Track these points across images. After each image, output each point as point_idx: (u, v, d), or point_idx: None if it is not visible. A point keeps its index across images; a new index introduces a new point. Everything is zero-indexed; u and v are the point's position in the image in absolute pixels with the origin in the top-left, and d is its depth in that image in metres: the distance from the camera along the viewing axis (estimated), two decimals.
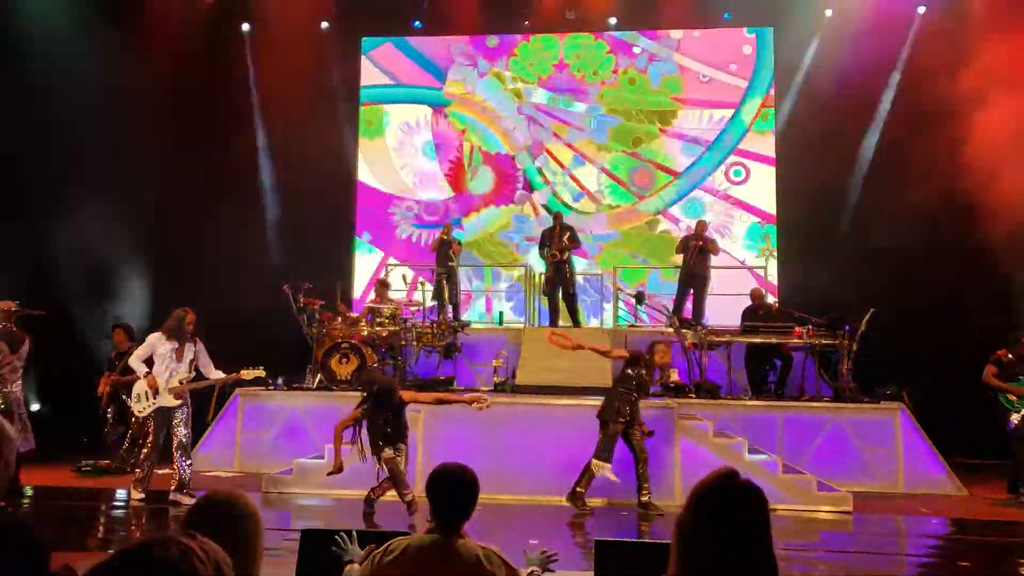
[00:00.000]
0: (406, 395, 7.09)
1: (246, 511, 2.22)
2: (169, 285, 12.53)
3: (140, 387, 8.13)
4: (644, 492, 7.90)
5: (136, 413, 8.31)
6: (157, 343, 8.12)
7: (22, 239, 12.32)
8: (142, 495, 8.04)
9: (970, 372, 9.19)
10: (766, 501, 1.95)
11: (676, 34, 14.26)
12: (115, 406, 10.09)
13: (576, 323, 12.01)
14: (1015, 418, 8.77)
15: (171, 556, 1.46)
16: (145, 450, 8.22)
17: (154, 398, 8.04)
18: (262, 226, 13.85)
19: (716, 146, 14.05)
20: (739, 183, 13.98)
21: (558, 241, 11.82)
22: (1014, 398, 8.81)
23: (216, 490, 2.30)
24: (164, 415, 8.08)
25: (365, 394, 7.05)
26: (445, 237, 12.31)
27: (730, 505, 1.91)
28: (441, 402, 7.62)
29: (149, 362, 8.17)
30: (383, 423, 7.08)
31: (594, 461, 7.87)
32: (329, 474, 6.95)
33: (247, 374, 8.33)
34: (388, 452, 7.10)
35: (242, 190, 13.71)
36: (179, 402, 8.07)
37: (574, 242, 11.95)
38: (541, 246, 12.11)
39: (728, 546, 1.87)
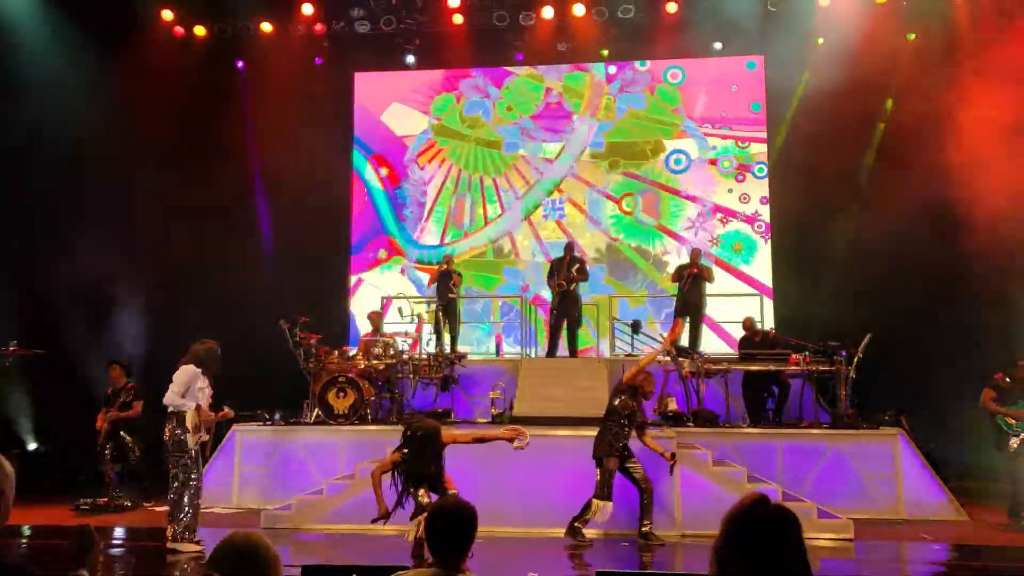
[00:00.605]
0: (446, 437, 6.89)
1: (268, 554, 2.23)
2: (165, 320, 12.54)
3: (193, 419, 7.63)
4: (645, 523, 7.85)
5: (191, 445, 7.65)
6: (196, 377, 7.70)
7: (19, 275, 12.36)
8: (200, 547, 7.52)
9: (968, 397, 9.20)
10: (799, 525, 2.00)
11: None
12: (113, 443, 10.06)
13: (573, 354, 12.01)
14: (1014, 442, 8.77)
15: None
16: (192, 487, 7.63)
17: (201, 431, 7.70)
18: (259, 260, 13.88)
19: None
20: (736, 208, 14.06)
21: (566, 272, 11.84)
22: (1013, 422, 8.81)
23: (236, 532, 2.30)
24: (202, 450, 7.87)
25: (406, 437, 6.83)
26: (446, 268, 12.33)
27: (766, 530, 1.96)
28: (480, 440, 7.36)
29: None
30: (424, 466, 6.88)
31: (595, 501, 7.78)
32: (374, 520, 6.71)
33: (224, 415, 8.14)
34: (423, 496, 6.79)
35: (238, 224, 13.74)
36: (208, 437, 7.89)
37: (582, 274, 11.96)
38: (549, 275, 12.14)
39: (767, 570, 1.92)
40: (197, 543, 7.53)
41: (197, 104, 13.30)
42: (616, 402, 8.01)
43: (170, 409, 7.63)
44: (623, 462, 7.89)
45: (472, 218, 14.64)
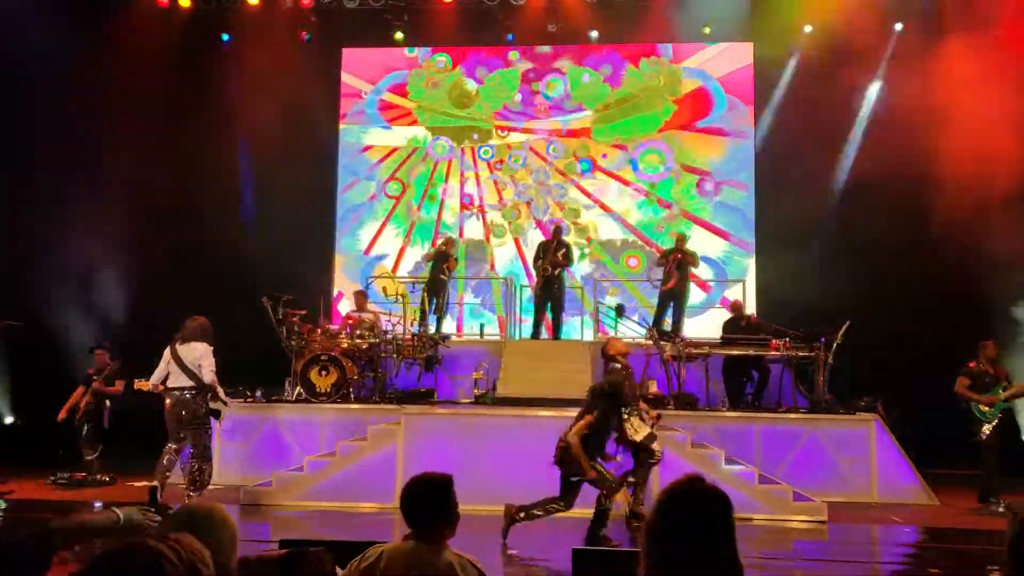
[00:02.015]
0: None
1: (224, 521, 2.27)
2: (149, 296, 12.48)
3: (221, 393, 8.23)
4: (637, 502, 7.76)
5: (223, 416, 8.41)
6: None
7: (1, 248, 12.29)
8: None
9: (943, 384, 9.34)
10: (731, 505, 2.00)
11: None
12: (92, 424, 10.05)
13: (557, 337, 12.08)
14: (986, 428, 8.92)
15: (138, 565, 1.46)
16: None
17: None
18: (242, 236, 13.82)
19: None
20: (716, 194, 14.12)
21: (552, 255, 11.89)
22: (986, 409, 8.95)
23: (191, 501, 2.36)
24: None
25: (595, 397, 6.71)
26: (444, 249, 12.32)
27: (696, 508, 1.97)
28: None
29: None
30: (611, 427, 6.79)
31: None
32: (606, 488, 6.74)
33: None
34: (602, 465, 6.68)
35: (222, 198, 13.67)
36: None
37: (567, 259, 12.01)
38: (536, 258, 12.18)
39: (694, 548, 1.93)
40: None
41: (181, 78, 13.18)
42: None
43: (194, 384, 8.03)
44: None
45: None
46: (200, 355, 8.02)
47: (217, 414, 8.13)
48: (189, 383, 7.98)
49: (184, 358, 8.01)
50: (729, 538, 1.97)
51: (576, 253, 12.80)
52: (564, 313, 12.29)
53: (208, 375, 7.99)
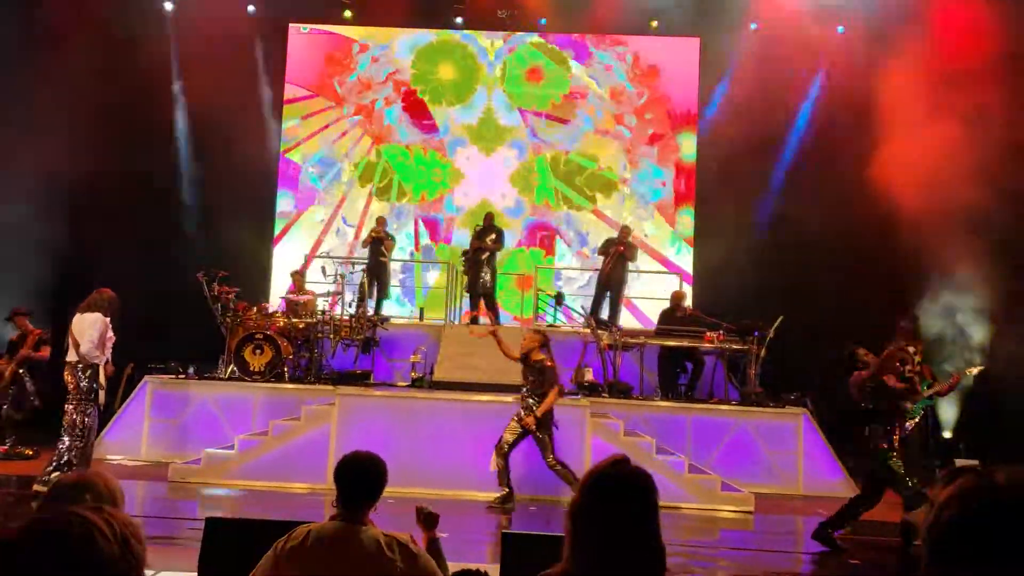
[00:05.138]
0: None
1: (108, 486, 2.19)
2: (76, 266, 12.11)
3: (105, 373, 7.85)
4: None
5: (101, 401, 7.83)
6: (107, 328, 7.75)
7: None
8: None
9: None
10: (654, 487, 2.01)
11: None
12: (15, 388, 9.76)
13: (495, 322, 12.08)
14: (909, 424, 9.17)
15: (70, 534, 1.37)
16: (88, 436, 7.74)
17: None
18: (178, 210, 13.53)
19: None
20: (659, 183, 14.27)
21: (478, 239, 11.90)
22: (909, 406, 9.20)
23: (73, 472, 2.29)
24: None
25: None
26: (377, 235, 12.27)
27: (619, 489, 1.98)
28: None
29: None
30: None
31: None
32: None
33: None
34: None
35: (159, 172, 13.38)
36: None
37: (498, 244, 12.01)
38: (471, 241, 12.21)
39: (616, 529, 1.94)
40: None
41: (120, 50, 12.71)
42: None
43: (71, 359, 7.62)
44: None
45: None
46: (88, 325, 7.62)
47: (92, 395, 7.65)
48: (75, 356, 7.64)
49: (74, 329, 7.68)
50: (653, 520, 1.98)
51: (508, 239, 12.82)
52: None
53: (85, 345, 7.55)
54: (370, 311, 11.59)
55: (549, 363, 7.99)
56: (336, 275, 11.42)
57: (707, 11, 13.71)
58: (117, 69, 12.66)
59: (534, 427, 7.81)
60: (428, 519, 3.31)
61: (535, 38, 14.56)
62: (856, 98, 11.89)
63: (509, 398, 8.55)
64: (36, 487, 7.47)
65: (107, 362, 7.90)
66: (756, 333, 10.25)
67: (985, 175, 10.20)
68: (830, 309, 11.64)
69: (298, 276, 11.73)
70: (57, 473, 7.36)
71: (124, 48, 12.79)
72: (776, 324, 10.29)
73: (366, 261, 12.15)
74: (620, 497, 1.97)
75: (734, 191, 13.13)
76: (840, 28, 13.40)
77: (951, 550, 1.34)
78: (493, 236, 11.98)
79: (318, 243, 14.29)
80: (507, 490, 7.89)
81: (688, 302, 12.48)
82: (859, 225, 11.84)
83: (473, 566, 3.13)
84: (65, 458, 7.54)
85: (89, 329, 7.60)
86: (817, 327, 11.32)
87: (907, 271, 11.38)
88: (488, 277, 11.96)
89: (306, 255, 13.57)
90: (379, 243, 12.22)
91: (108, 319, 7.74)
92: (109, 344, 7.83)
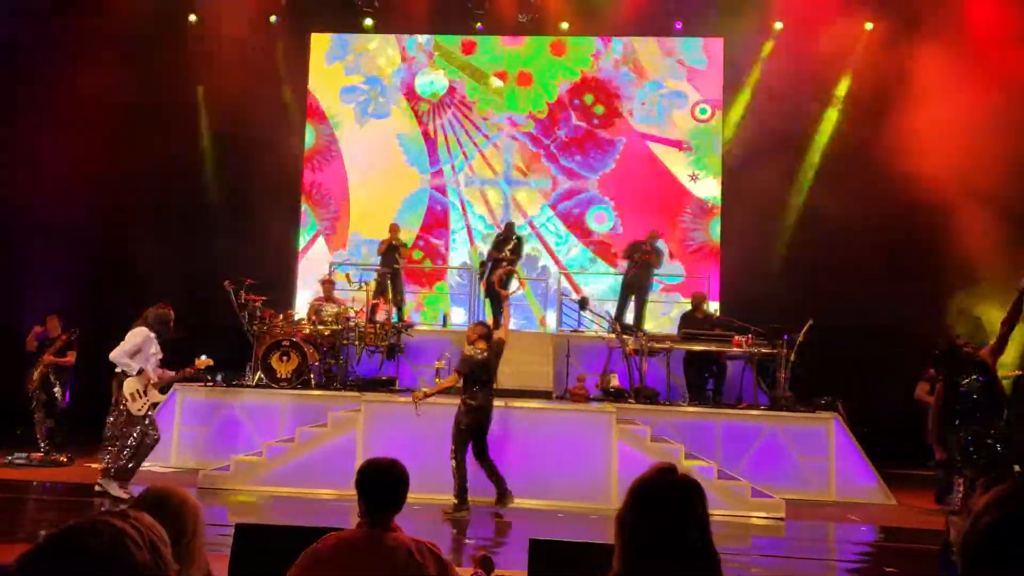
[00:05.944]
0: None
1: (189, 504, 2.23)
2: (105, 275, 12.23)
3: (133, 385, 7.95)
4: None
5: (134, 412, 7.94)
6: (149, 342, 8.03)
7: None
8: (128, 493, 7.69)
9: (903, 385, 9.42)
10: (702, 495, 1.99)
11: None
12: (44, 394, 9.85)
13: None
14: None
15: (102, 542, 1.37)
16: (129, 447, 7.91)
17: (146, 396, 7.99)
18: (206, 219, 13.61)
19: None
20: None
21: (497, 249, 11.85)
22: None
23: (157, 484, 2.32)
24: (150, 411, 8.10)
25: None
26: (394, 242, 12.30)
27: (664, 498, 1.95)
28: None
29: None
30: None
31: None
32: None
33: (200, 363, 8.53)
34: None
35: (185, 181, 13.49)
36: (164, 397, 8.28)
37: (516, 254, 11.95)
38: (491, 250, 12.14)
39: (662, 537, 1.91)
40: (127, 491, 7.71)
41: (146, 58, 12.84)
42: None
43: (117, 369, 7.91)
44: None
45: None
46: (130, 334, 8.01)
47: (122, 405, 7.91)
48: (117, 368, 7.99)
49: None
50: (704, 527, 1.96)
51: (526, 248, 12.77)
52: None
53: (115, 351, 7.91)
54: (393, 318, 11.59)
55: (480, 356, 7.89)
56: (361, 282, 11.46)
57: (731, 10, 13.57)
58: (143, 81, 12.77)
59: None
60: (485, 563, 3.27)
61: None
62: (889, 94, 11.69)
63: (533, 404, 8.49)
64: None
65: (140, 371, 7.98)
66: (785, 337, 10.12)
67: (1022, 168, 10.02)
68: (861, 312, 11.46)
69: (328, 284, 11.74)
70: (104, 481, 7.75)
71: (150, 59, 12.91)
72: (806, 327, 10.16)
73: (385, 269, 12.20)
74: (665, 506, 1.94)
75: (760, 193, 12.98)
76: (869, 24, 13.21)
77: (988, 556, 1.35)
78: (511, 247, 11.94)
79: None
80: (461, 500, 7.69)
81: (713, 306, 12.37)
82: (890, 225, 11.66)
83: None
84: (104, 465, 7.89)
85: (129, 338, 7.95)
86: (849, 331, 11.17)
87: (940, 270, 11.15)
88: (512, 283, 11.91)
89: (331, 263, 13.60)
90: (394, 250, 12.29)
91: (152, 334, 7.99)
92: (154, 360, 8.05)
